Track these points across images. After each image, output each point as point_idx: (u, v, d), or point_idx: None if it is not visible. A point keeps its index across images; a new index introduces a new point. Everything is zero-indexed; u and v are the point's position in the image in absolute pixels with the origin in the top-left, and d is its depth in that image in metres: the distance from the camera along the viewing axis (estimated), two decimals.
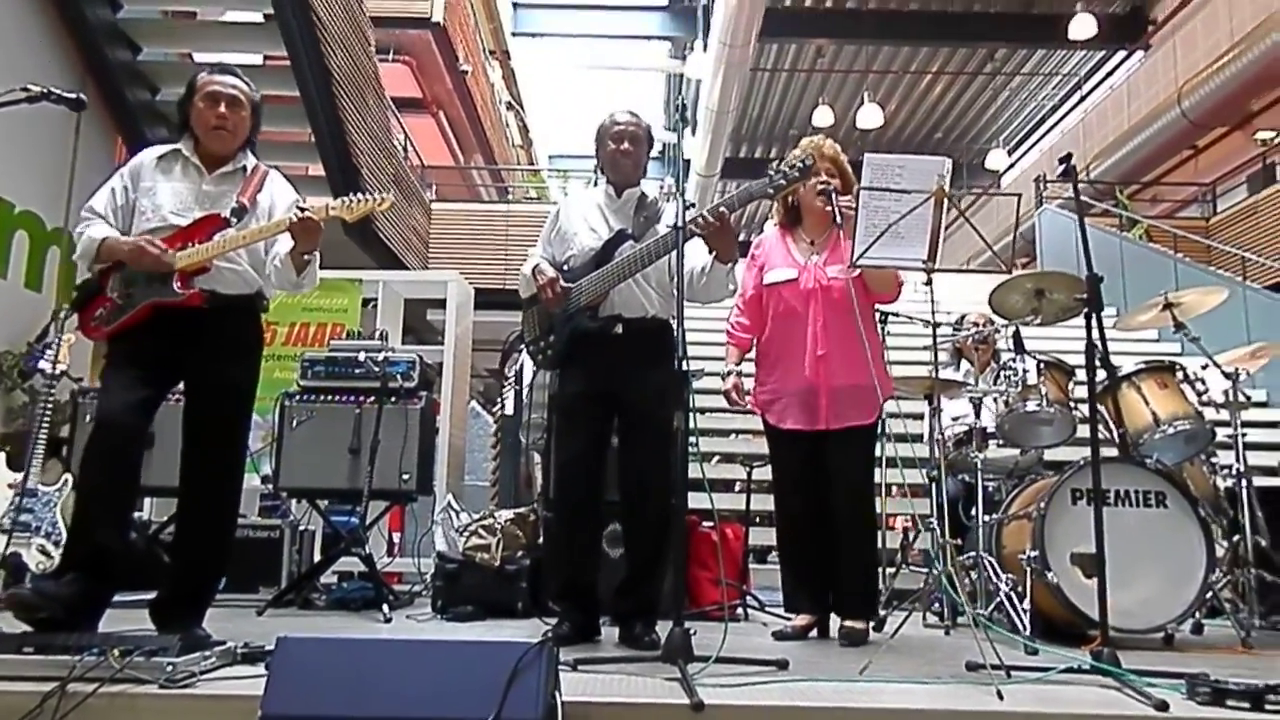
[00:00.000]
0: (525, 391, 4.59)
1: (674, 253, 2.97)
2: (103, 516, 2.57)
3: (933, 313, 2.98)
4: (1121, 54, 16.08)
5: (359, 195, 2.80)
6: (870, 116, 15.17)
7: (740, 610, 4.05)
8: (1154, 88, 14.29)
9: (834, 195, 3.07)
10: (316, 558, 4.75)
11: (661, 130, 20.99)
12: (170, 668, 2.17)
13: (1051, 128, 18.38)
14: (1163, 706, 2.10)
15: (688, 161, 17.70)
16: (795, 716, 2.12)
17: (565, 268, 3.14)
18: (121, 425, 2.59)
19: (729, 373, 3.39)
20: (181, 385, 2.84)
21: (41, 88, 2.70)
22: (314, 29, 7.28)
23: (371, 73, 8.61)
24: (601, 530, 3.18)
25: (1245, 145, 13.64)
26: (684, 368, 2.50)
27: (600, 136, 3.24)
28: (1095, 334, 2.57)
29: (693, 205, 2.79)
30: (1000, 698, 2.19)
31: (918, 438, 4.36)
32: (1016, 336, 3.68)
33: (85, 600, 2.53)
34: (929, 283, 2.80)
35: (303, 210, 2.72)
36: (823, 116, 16.99)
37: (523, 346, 3.21)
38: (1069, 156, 2.67)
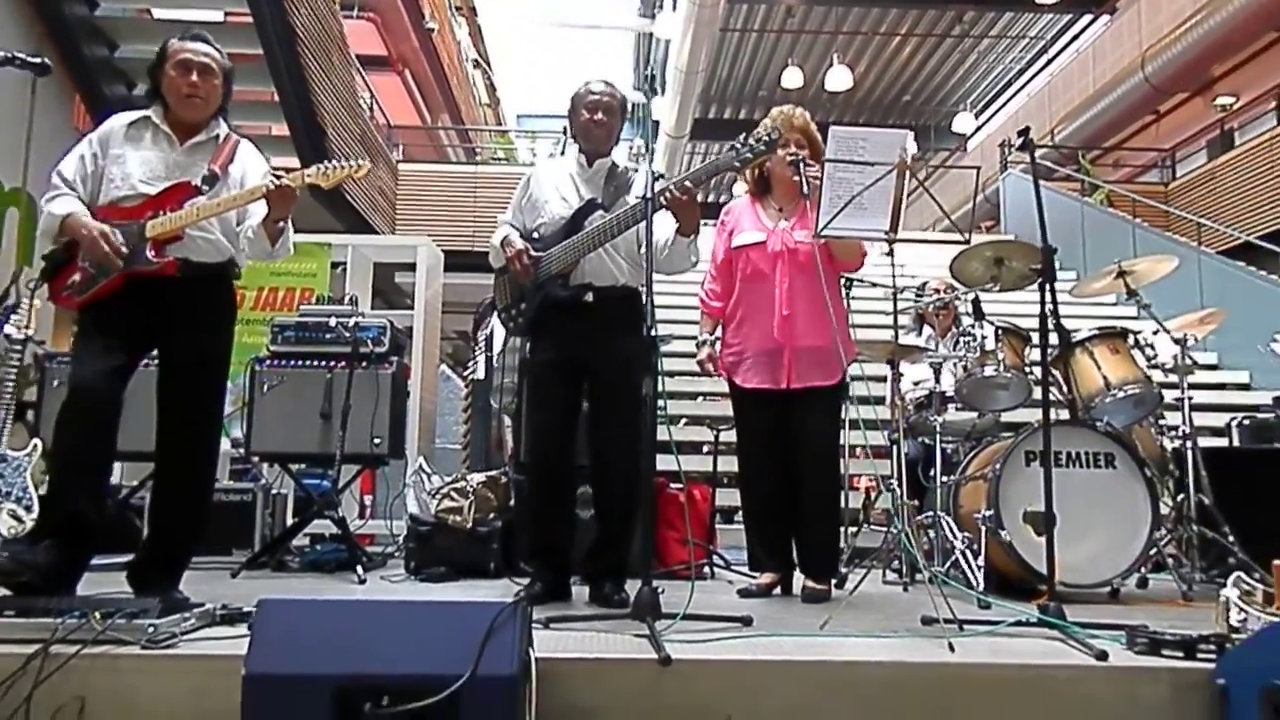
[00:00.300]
0: (496, 356, 4.63)
1: (644, 223, 3.04)
2: (79, 483, 2.60)
3: (894, 280, 3.06)
4: (1088, 18, 16.18)
5: (334, 162, 2.81)
6: (839, 78, 15.19)
7: (707, 569, 4.17)
8: (1119, 51, 14.41)
9: (802, 166, 3.13)
10: (289, 521, 4.80)
11: (630, 90, 20.89)
12: (151, 629, 2.23)
13: (1018, 91, 18.49)
14: (1102, 656, 2.23)
15: (656, 123, 17.64)
16: (757, 669, 2.22)
17: (536, 235, 3.18)
18: (96, 392, 2.61)
19: (704, 342, 3.46)
20: (155, 352, 2.86)
21: (5, 52, 2.68)
22: None
23: (336, 31, 8.49)
24: (573, 493, 3.25)
25: (1205, 111, 13.84)
26: (653, 334, 2.56)
27: (574, 105, 3.26)
28: (1049, 303, 2.65)
29: (662, 176, 2.83)
30: (951, 649, 2.31)
31: (880, 400, 4.47)
32: (976, 303, 3.79)
33: (63, 566, 2.57)
34: (890, 253, 2.88)
35: (279, 178, 2.73)
36: (792, 78, 16.96)
37: (496, 313, 3.25)
38: (1027, 130, 2.75)
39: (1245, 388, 7.44)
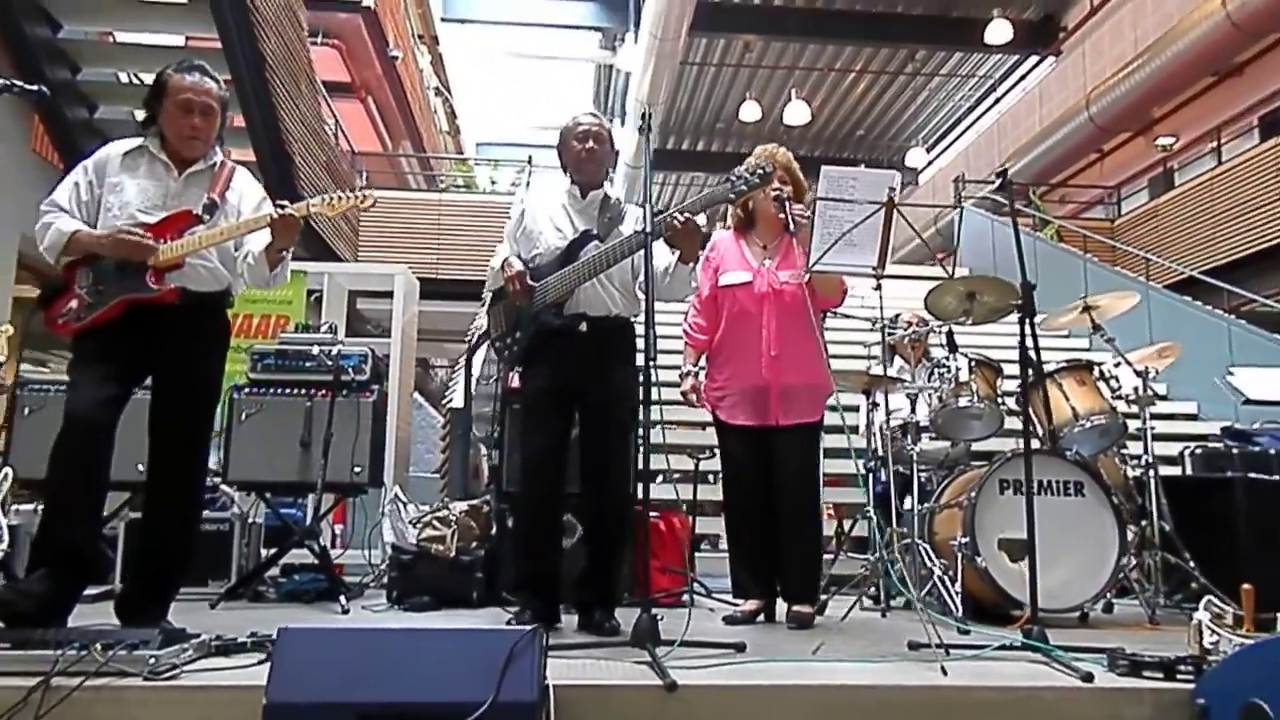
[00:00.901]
0: (475, 385, 4.65)
1: (638, 254, 3.11)
2: (73, 515, 2.58)
3: (881, 313, 3.16)
4: (1034, 59, 16.75)
5: (340, 193, 2.85)
6: (798, 113, 15.51)
7: (686, 596, 4.21)
8: (1064, 92, 14.95)
9: (787, 203, 3.23)
10: (262, 551, 4.74)
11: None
12: (153, 660, 2.21)
13: (968, 128, 19.03)
14: (1088, 678, 2.33)
15: (616, 152, 17.80)
16: (758, 695, 2.28)
17: (531, 265, 3.23)
18: (92, 422, 2.59)
19: (688, 373, 3.53)
20: (147, 381, 2.85)
21: (4, 79, 2.67)
22: (247, 12, 7.15)
23: (304, 57, 8.49)
24: (562, 521, 3.28)
25: (1147, 150, 14.38)
26: (651, 364, 2.62)
27: (564, 138, 3.33)
28: (1029, 338, 2.76)
29: (662, 212, 2.90)
30: (944, 673, 2.38)
31: (853, 430, 4.57)
32: (949, 336, 3.91)
33: (57, 596, 2.54)
34: (878, 287, 2.98)
35: (282, 207, 2.76)
36: (749, 111, 17.29)
37: (489, 342, 3.29)
38: (1005, 171, 2.87)
39: (1193, 418, 7.71)
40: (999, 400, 3.92)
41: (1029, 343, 2.79)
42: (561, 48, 17.86)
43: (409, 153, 14.91)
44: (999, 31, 14.60)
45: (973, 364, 3.86)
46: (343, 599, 3.76)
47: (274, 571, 4.49)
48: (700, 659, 2.53)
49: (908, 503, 4.44)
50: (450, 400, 4.97)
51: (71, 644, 2.21)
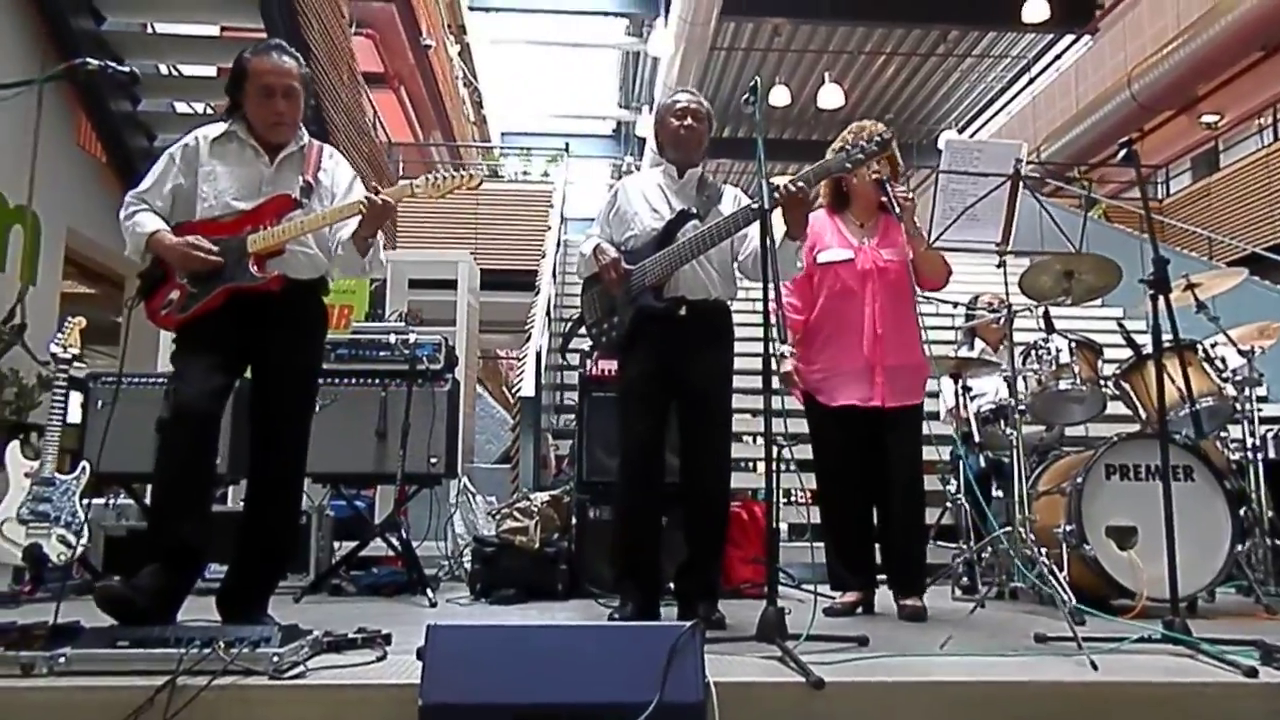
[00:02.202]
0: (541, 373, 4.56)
1: (737, 234, 3.01)
2: (184, 508, 2.51)
3: (1007, 295, 3.04)
4: (1069, 38, 16.46)
5: (444, 173, 2.75)
6: (831, 96, 15.31)
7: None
8: (1100, 71, 14.69)
9: (888, 185, 3.11)
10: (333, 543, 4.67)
11: (616, 108, 20.88)
12: (277, 658, 2.15)
13: (1000, 109, 18.77)
14: (1252, 673, 2.20)
15: (642, 140, 17.66)
16: (904, 691, 2.18)
17: (625, 248, 3.13)
18: (202, 413, 2.52)
19: (784, 356, 3.41)
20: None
21: (99, 62, 2.59)
22: (292, 1, 7.08)
23: (346, 47, 8.41)
24: (664, 510, 3.17)
25: (1189, 129, 14.10)
26: (775, 350, 2.52)
27: (661, 116, 3.23)
28: (1164, 313, 2.64)
29: (778, 188, 2.78)
30: (1094, 667, 2.28)
31: (934, 416, 4.46)
32: (1046, 316, 3.78)
33: (169, 593, 2.47)
34: (1001, 264, 2.86)
35: (377, 193, 2.67)
36: (779, 96, 17.09)
37: (585, 327, 3.19)
38: (1130, 141, 2.74)
39: (1264, 400, 7.50)
40: (1101, 382, 3.78)
41: (1164, 321, 2.64)
42: (589, 34, 17.71)
43: (441, 142, 14.83)
44: (1035, 9, 14.32)
45: (1073, 345, 3.73)
46: (430, 592, 3.68)
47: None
48: (826, 653, 2.44)
49: (994, 490, 4.33)
50: (519, 388, 4.89)
51: (194, 642, 2.14)
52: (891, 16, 15.93)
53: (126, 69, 2.66)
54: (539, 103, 19.99)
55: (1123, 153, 2.78)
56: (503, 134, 20.81)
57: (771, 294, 2.46)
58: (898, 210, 3.07)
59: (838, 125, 20.14)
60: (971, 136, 19.94)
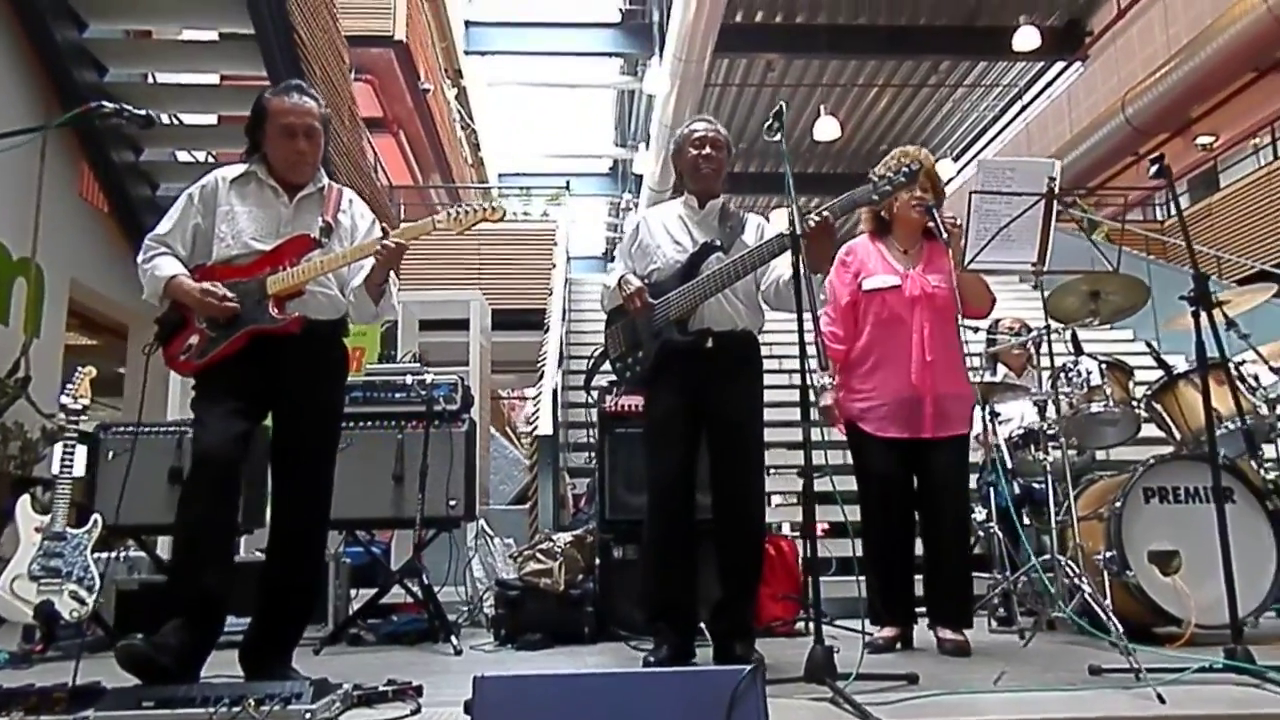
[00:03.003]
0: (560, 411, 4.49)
1: (763, 266, 2.95)
2: (207, 557, 2.42)
3: (1046, 318, 2.97)
4: (1060, 65, 16.62)
5: (466, 206, 2.70)
6: (827, 129, 15.41)
7: (801, 625, 4.01)
8: (1093, 97, 14.80)
9: (934, 210, 3.06)
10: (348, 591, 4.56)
11: (612, 146, 20.99)
12: (309, 715, 2.06)
13: (994, 137, 18.90)
14: None
15: (639, 177, 17.75)
16: None
17: (649, 281, 3.07)
18: (225, 460, 2.44)
19: (824, 388, 3.33)
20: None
21: (115, 105, 2.55)
22: (294, 46, 7.09)
23: (347, 92, 8.43)
24: (694, 548, 3.07)
25: (1185, 151, 14.17)
26: (811, 382, 2.45)
27: (679, 146, 3.18)
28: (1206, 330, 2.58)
29: (810, 214, 2.73)
30: (1161, 700, 2.19)
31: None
32: (1075, 338, 3.72)
33: (193, 648, 2.37)
34: (1038, 285, 2.80)
35: (387, 234, 2.63)
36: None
37: (609, 362, 3.12)
38: (1161, 157, 2.70)
39: None
40: (1134, 404, 3.71)
41: (1206, 338, 2.58)
42: (583, 75, 17.87)
43: (441, 184, 14.87)
44: (1026, 38, 14.47)
45: (1103, 366, 3.66)
46: (454, 639, 3.58)
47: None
48: (877, 692, 2.35)
49: (1025, 517, 4.24)
50: (535, 427, 4.81)
51: (222, 700, 2.05)
52: (883, 49, 16.11)
53: (142, 111, 2.60)
54: (535, 143, 20.11)
55: (1154, 168, 2.74)
56: (499, 175, 20.90)
57: (809, 322, 2.38)
58: (945, 236, 3.02)
59: (831, 157, 20.29)
60: (968, 163, 20.08)
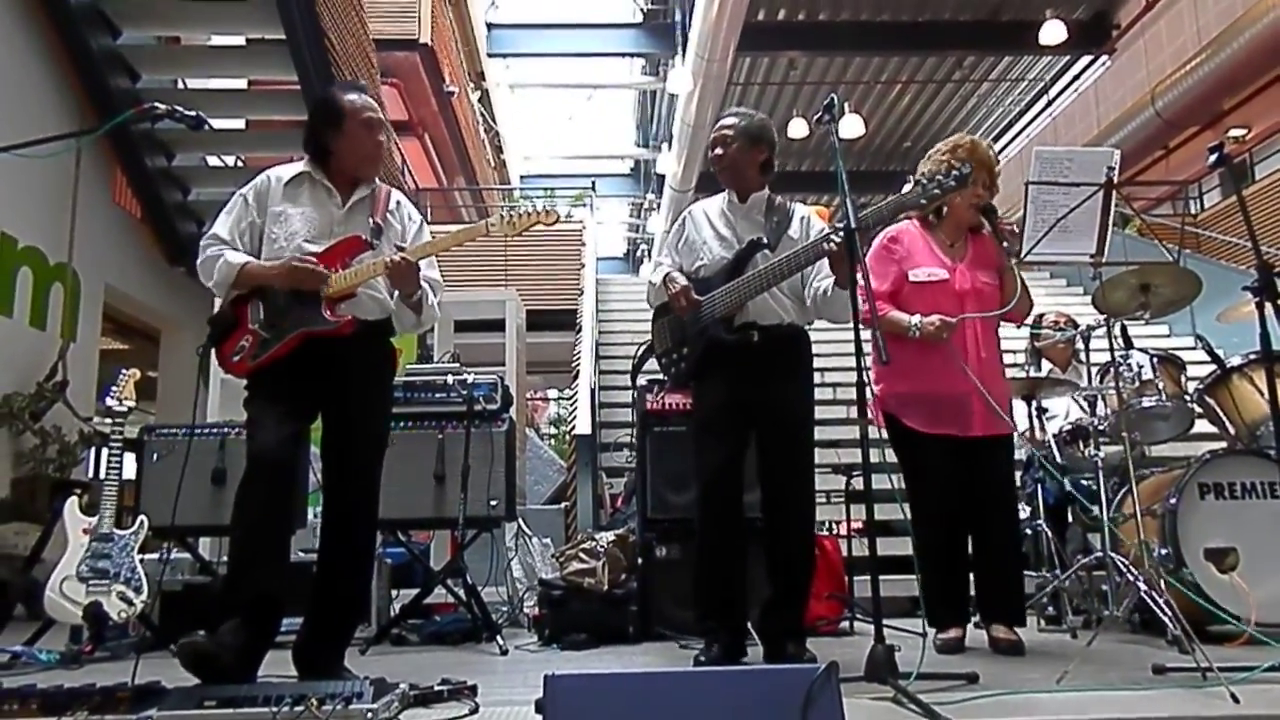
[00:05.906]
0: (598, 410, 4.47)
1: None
2: (265, 558, 2.42)
3: (1104, 309, 2.92)
4: (1087, 59, 16.44)
5: (521, 210, 2.69)
6: (851, 126, 15.33)
7: (847, 624, 3.97)
8: (1121, 91, 14.60)
9: (994, 216, 3.01)
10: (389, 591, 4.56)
11: (634, 147, 20.99)
12: (370, 715, 2.05)
13: (1020, 132, 18.73)
14: None
15: (661, 176, 17.74)
16: None
17: (695, 277, 3.04)
18: (280, 461, 2.45)
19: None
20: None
21: (168, 106, 2.56)
22: (325, 51, 7.13)
23: (375, 97, 8.44)
24: (746, 544, 3.03)
25: (1216, 143, 13.98)
26: (865, 380, 2.42)
27: (707, 150, 3.17)
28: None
29: (832, 234, 2.69)
30: (1235, 700, 2.14)
31: None
32: (1124, 332, 3.66)
33: (252, 647, 2.37)
34: (1097, 276, 2.76)
35: (399, 251, 2.62)
36: (797, 129, 17.13)
37: (655, 358, 3.10)
38: (1221, 145, 2.65)
39: None
40: (1187, 398, 3.65)
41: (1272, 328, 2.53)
42: (605, 76, 17.87)
43: (466, 186, 14.90)
44: (1053, 32, 14.33)
45: (1154, 360, 3.60)
46: (500, 639, 3.57)
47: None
48: (939, 692, 2.31)
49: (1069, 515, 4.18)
50: (573, 426, 4.79)
51: (284, 700, 2.04)
52: (906, 45, 16.00)
53: (193, 113, 2.61)
54: (557, 144, 20.14)
55: (1214, 156, 2.69)
56: (521, 177, 20.94)
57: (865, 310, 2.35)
58: (1004, 242, 2.97)
59: (853, 155, 20.19)
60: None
